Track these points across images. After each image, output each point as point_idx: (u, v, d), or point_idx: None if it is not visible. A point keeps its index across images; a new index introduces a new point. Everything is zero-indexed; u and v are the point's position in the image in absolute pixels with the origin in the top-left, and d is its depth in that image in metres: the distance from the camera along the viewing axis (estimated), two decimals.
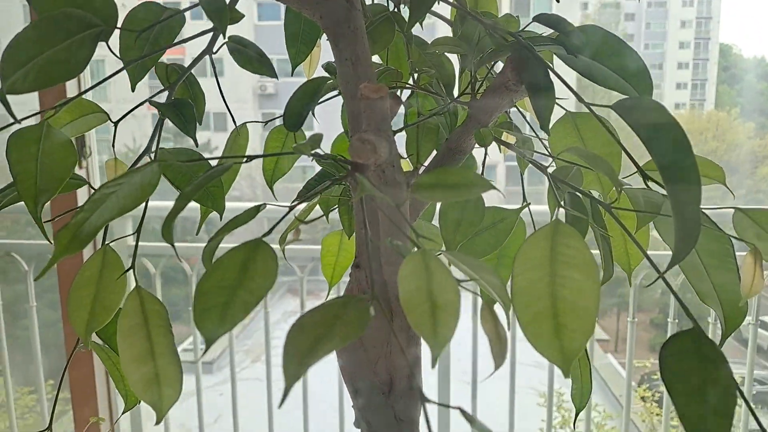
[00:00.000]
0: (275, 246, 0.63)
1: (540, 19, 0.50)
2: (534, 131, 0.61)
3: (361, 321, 0.30)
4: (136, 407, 0.44)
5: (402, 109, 0.67)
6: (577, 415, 0.65)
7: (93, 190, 0.37)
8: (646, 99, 0.40)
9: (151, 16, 0.44)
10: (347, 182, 0.45)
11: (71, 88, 1.44)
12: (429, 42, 0.60)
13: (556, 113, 0.59)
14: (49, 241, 0.37)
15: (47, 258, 0.35)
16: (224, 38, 0.44)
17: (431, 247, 0.57)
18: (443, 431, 1.78)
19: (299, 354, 0.28)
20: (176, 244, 1.44)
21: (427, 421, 0.30)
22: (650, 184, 0.44)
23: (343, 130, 0.65)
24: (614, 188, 0.44)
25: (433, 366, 0.31)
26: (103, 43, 0.43)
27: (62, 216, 0.46)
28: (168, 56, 0.52)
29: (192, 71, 0.52)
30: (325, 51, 0.62)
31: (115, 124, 0.49)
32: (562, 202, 0.46)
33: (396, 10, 0.56)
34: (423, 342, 0.38)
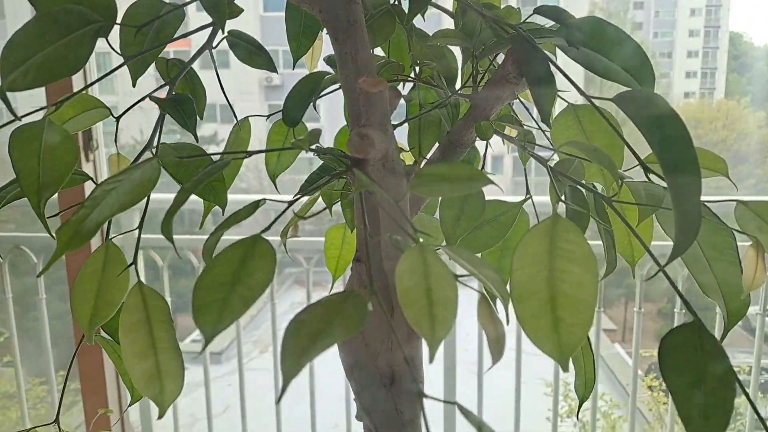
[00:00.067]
0: (276, 238, 0.64)
1: (541, 10, 0.49)
2: (537, 123, 0.61)
3: (360, 316, 0.31)
4: (145, 399, 0.44)
5: (404, 102, 0.67)
6: (580, 406, 0.65)
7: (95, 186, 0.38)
8: (646, 91, 0.40)
9: (150, 11, 0.44)
10: (348, 176, 0.45)
11: (77, 81, 1.45)
12: (432, 34, 0.60)
13: (559, 105, 0.59)
14: (52, 236, 0.37)
15: None
16: (223, 33, 0.44)
17: (432, 241, 0.57)
18: (449, 422, 1.79)
19: (297, 350, 0.28)
20: (184, 237, 1.45)
21: (424, 416, 0.30)
22: (652, 177, 0.44)
23: (346, 123, 0.65)
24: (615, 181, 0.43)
25: (431, 361, 0.31)
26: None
27: (68, 210, 0.47)
28: (174, 48, 0.52)
29: (195, 64, 0.52)
30: (327, 44, 0.62)
31: (117, 119, 0.49)
32: (562, 196, 0.46)
33: (396, 2, 0.56)
34: None
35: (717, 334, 0.47)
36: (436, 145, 0.63)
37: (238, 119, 0.61)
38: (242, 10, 0.46)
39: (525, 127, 0.64)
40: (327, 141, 0.69)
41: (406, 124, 0.63)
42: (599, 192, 0.46)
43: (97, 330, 0.48)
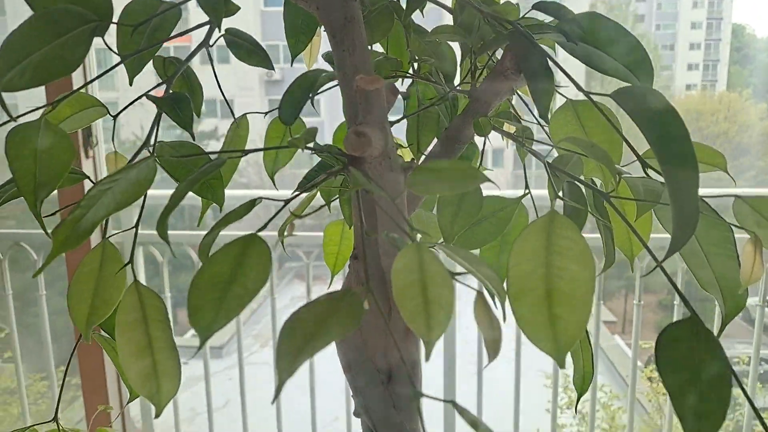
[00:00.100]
0: (274, 233, 0.64)
1: (539, 6, 0.49)
2: (536, 118, 0.61)
3: (356, 316, 0.31)
4: None
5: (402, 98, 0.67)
6: (578, 400, 0.65)
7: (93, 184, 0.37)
8: (644, 87, 0.40)
9: (147, 10, 0.44)
10: (345, 174, 0.45)
11: (77, 79, 1.45)
12: (431, 30, 0.59)
13: (560, 100, 0.59)
14: (48, 236, 0.37)
15: None
16: (220, 31, 0.44)
17: (430, 238, 0.57)
18: (449, 416, 1.80)
19: (292, 350, 0.28)
20: (184, 233, 1.45)
21: (420, 417, 0.30)
22: (650, 172, 0.44)
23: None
24: (613, 178, 0.43)
25: (426, 360, 0.31)
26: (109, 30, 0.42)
27: (67, 208, 0.47)
28: (174, 44, 0.52)
29: (195, 60, 0.52)
30: (325, 40, 0.62)
31: (114, 117, 0.49)
32: (560, 192, 0.46)
33: None
34: None
35: (716, 326, 0.47)
36: (435, 140, 0.63)
37: (237, 116, 0.61)
38: (239, 8, 0.45)
39: (524, 122, 0.64)
40: (327, 135, 0.69)
41: (404, 120, 0.63)
42: (597, 188, 0.46)
43: (96, 328, 0.48)
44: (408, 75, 0.60)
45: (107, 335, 0.52)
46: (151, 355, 0.38)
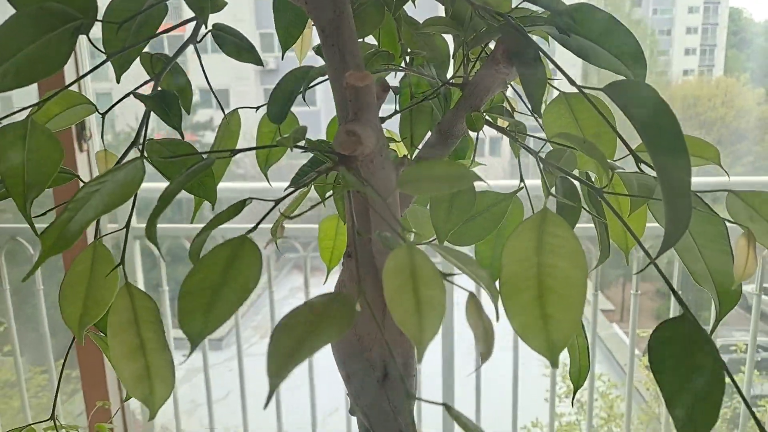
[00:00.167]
0: (268, 226, 0.63)
1: None
2: (530, 110, 0.60)
3: (348, 318, 0.30)
4: None
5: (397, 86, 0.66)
6: (575, 393, 0.66)
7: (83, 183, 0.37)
8: (636, 81, 0.39)
9: (132, 6, 0.44)
10: (337, 171, 0.44)
11: (69, 73, 1.43)
12: (422, 22, 0.59)
13: (554, 92, 0.58)
14: (38, 236, 0.37)
15: None
16: (206, 27, 0.43)
17: (423, 235, 0.57)
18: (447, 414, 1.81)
19: (283, 354, 0.28)
20: (180, 226, 1.44)
21: (411, 413, 0.30)
22: (643, 167, 0.44)
23: None
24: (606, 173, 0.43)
25: (419, 362, 0.31)
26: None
27: (61, 206, 0.46)
28: (170, 35, 0.51)
29: (190, 48, 0.51)
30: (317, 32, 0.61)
31: (103, 115, 0.49)
32: (553, 188, 0.46)
33: None
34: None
35: (713, 314, 0.47)
36: (429, 133, 0.62)
37: (233, 107, 0.60)
38: (226, 3, 0.45)
39: (518, 113, 0.63)
40: (323, 124, 0.68)
41: (397, 114, 0.62)
42: (591, 183, 0.46)
43: (92, 327, 0.47)
44: (400, 68, 0.59)
45: (103, 334, 0.51)
46: (143, 356, 0.38)
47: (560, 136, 0.42)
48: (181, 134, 0.45)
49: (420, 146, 0.61)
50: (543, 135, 0.56)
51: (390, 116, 0.56)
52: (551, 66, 0.53)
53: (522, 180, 0.58)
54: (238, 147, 0.62)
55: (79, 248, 0.43)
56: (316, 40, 0.62)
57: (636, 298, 1.64)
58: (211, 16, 0.47)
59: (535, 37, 0.56)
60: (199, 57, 0.47)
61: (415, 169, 0.34)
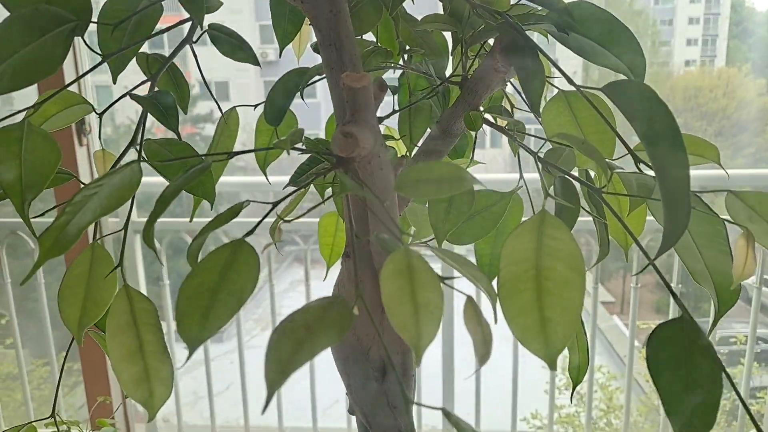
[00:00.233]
0: (270, 220, 0.63)
1: None
2: (530, 107, 0.60)
3: (345, 322, 0.30)
4: None
5: (396, 83, 0.66)
6: (574, 388, 0.66)
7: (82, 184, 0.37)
8: (635, 82, 0.39)
9: (127, 7, 0.43)
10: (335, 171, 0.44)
11: (69, 72, 1.43)
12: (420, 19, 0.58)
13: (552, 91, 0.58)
14: (35, 236, 0.37)
15: None
16: (201, 28, 0.43)
17: (420, 238, 0.57)
18: (447, 396, 1.81)
19: (281, 360, 0.28)
20: (181, 220, 1.43)
21: (410, 414, 0.30)
22: (642, 166, 0.44)
23: None
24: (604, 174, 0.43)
25: (417, 365, 0.31)
26: None
27: (62, 205, 0.46)
28: (166, 24, 0.51)
29: (187, 45, 0.50)
30: None
31: (100, 115, 0.49)
32: (552, 187, 0.46)
33: None
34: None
35: (713, 306, 0.47)
36: (428, 131, 0.62)
37: (232, 99, 0.60)
38: (221, 4, 0.44)
39: (517, 109, 0.63)
40: (323, 117, 0.68)
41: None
42: (590, 183, 0.46)
43: (92, 326, 0.48)
44: (399, 66, 0.59)
45: (103, 333, 0.52)
46: (142, 359, 0.38)
47: (559, 136, 0.42)
48: (178, 135, 0.45)
49: (419, 143, 0.61)
50: (542, 130, 0.56)
51: (388, 116, 0.56)
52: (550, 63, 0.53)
53: (521, 177, 0.58)
54: (238, 138, 0.62)
55: (81, 244, 0.43)
56: (315, 37, 0.62)
57: (636, 291, 1.64)
58: None
59: (534, 34, 0.56)
60: (195, 57, 0.47)
61: (413, 171, 0.33)
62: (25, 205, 0.40)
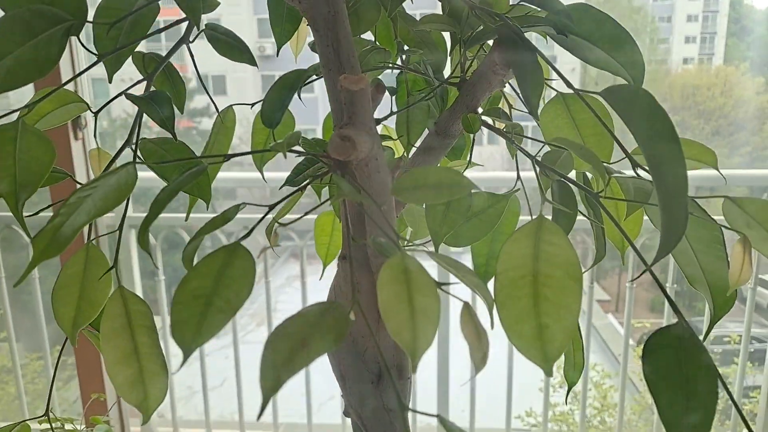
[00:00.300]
0: (269, 216, 0.63)
1: None
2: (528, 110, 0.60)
3: (341, 329, 0.30)
4: None
5: (394, 82, 0.66)
6: (569, 391, 0.66)
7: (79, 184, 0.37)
8: (634, 86, 0.39)
9: (123, 6, 0.43)
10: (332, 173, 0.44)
11: (65, 69, 1.42)
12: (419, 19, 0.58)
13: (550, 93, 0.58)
14: (29, 236, 0.37)
15: None
16: (198, 29, 0.43)
17: (420, 235, 0.57)
18: (442, 406, 1.82)
19: (276, 366, 0.28)
20: (177, 215, 1.42)
21: (405, 419, 0.30)
22: (639, 170, 0.44)
23: None
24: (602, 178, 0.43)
25: (413, 371, 0.31)
26: None
27: (58, 204, 0.46)
28: (168, 23, 0.50)
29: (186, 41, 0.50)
30: None
31: (95, 114, 0.48)
32: (549, 191, 0.45)
33: None
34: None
35: (708, 307, 0.47)
36: (426, 132, 0.62)
37: (230, 93, 0.60)
38: (218, 4, 0.44)
39: (515, 110, 0.62)
40: (321, 113, 0.68)
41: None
42: (588, 187, 0.46)
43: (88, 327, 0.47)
44: (397, 66, 0.59)
45: (97, 332, 0.51)
46: (137, 361, 0.38)
47: (557, 141, 0.41)
48: (174, 136, 0.45)
49: (417, 144, 0.61)
50: (540, 133, 0.56)
51: (386, 117, 0.56)
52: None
53: (519, 179, 0.58)
54: (235, 132, 0.62)
55: (75, 243, 0.42)
56: (312, 36, 0.62)
57: (631, 290, 1.65)
58: None
59: (533, 36, 0.56)
60: (192, 57, 0.46)
61: (410, 176, 0.33)
62: (19, 204, 0.40)
